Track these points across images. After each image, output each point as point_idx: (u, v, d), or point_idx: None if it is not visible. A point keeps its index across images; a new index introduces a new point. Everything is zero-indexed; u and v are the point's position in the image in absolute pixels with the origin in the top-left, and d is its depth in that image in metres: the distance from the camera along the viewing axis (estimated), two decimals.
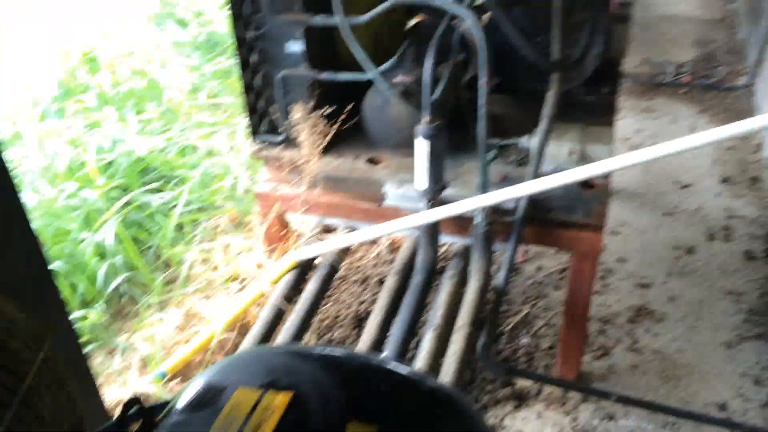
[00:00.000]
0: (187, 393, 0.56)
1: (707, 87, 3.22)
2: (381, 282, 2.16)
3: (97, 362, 1.89)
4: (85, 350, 1.30)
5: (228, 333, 1.82)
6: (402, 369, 0.60)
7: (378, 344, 1.55)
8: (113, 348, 1.95)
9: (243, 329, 1.79)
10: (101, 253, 2.13)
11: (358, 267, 2.29)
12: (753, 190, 2.57)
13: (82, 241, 2.11)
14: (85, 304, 2.05)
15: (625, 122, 3.01)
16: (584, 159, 1.58)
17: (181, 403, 0.55)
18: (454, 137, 1.68)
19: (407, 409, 0.56)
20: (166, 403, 0.58)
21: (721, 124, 2.98)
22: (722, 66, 3.40)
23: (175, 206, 2.24)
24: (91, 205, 2.21)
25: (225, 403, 0.52)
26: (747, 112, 3.04)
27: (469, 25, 1.32)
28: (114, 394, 1.69)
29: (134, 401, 0.56)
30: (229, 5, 1.56)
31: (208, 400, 0.54)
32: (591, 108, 1.78)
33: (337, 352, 0.61)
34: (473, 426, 0.59)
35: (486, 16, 1.34)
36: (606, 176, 1.61)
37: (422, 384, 0.58)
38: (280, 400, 0.52)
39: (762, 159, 2.72)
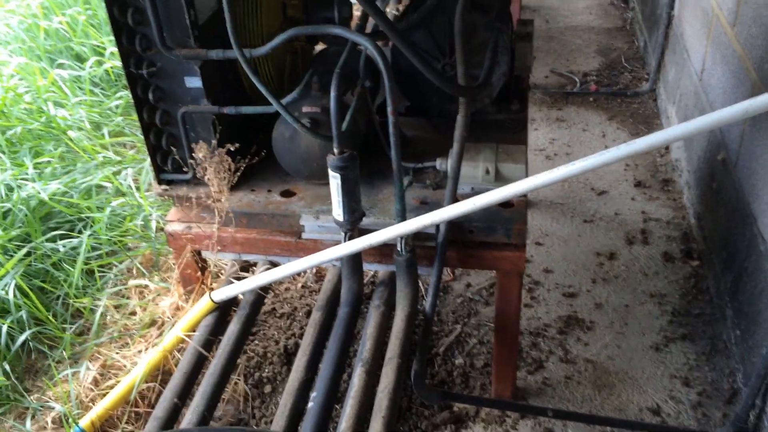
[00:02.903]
0: None
1: (613, 94, 3.33)
2: (309, 314, 2.10)
3: (8, 427, 1.75)
4: None
5: (150, 382, 1.72)
6: None
7: (307, 384, 1.49)
8: (24, 409, 1.81)
9: (166, 376, 1.70)
10: (4, 308, 1.98)
11: (285, 299, 2.22)
12: (665, 193, 2.66)
13: None
14: None
15: (539, 133, 3.06)
16: (500, 178, 1.57)
17: None
18: (369, 163, 1.65)
19: None
20: None
21: (629, 129, 3.10)
22: (626, 73, 3.53)
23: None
24: None
25: None
26: (652, 116, 3.16)
27: (371, 52, 1.28)
28: None
29: None
30: (117, 44, 1.48)
31: None
32: (502, 126, 1.79)
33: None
34: None
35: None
36: (523, 195, 1.61)
37: None
38: None
39: (671, 161, 2.82)
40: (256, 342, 2.02)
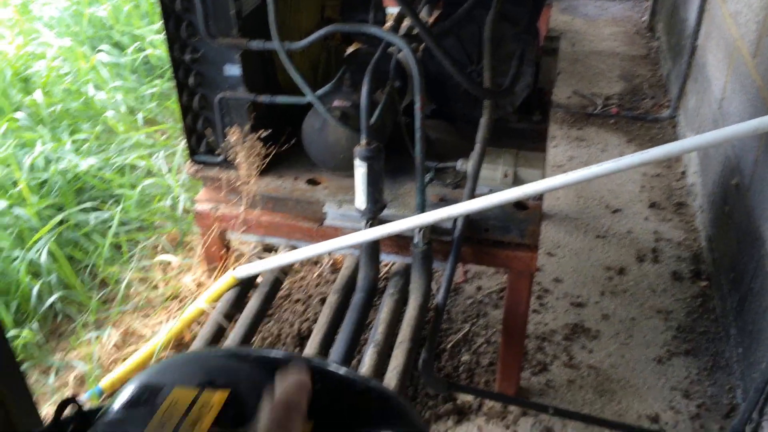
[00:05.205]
0: (123, 393, 0.56)
1: (634, 118, 3.39)
2: (323, 301, 2.17)
3: (32, 381, 1.84)
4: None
5: (168, 351, 1.79)
6: (340, 370, 0.62)
7: None
8: (48, 367, 1.90)
9: (183, 347, 1.78)
10: (35, 272, 2.07)
11: (301, 286, 2.29)
12: (678, 215, 2.71)
13: (15, 259, 2.05)
14: (19, 323, 2.00)
15: (558, 150, 3.13)
16: (518, 182, 1.64)
17: (117, 403, 0.56)
18: (393, 160, 1.72)
19: (344, 407, 0.58)
20: (102, 407, 0.58)
21: None
22: (647, 99, 3.59)
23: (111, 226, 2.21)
24: (25, 224, 2.15)
25: (162, 401, 0.53)
26: (671, 141, 3.21)
27: (404, 53, 1.36)
28: (49, 412, 1.65)
29: (69, 401, 0.56)
30: (165, 29, 1.57)
31: (146, 399, 0.54)
32: (523, 135, 1.86)
33: (276, 353, 0.62)
34: (409, 425, 0.61)
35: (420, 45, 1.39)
36: (539, 198, 1.68)
37: (359, 383, 0.60)
38: (217, 397, 0.54)
39: (686, 186, 2.87)
40: (272, 323, 2.09)
